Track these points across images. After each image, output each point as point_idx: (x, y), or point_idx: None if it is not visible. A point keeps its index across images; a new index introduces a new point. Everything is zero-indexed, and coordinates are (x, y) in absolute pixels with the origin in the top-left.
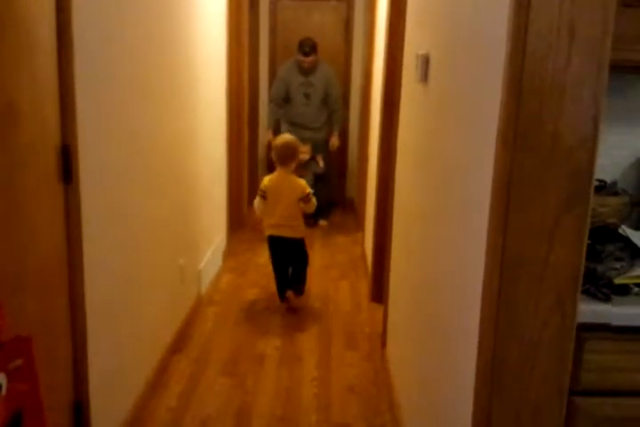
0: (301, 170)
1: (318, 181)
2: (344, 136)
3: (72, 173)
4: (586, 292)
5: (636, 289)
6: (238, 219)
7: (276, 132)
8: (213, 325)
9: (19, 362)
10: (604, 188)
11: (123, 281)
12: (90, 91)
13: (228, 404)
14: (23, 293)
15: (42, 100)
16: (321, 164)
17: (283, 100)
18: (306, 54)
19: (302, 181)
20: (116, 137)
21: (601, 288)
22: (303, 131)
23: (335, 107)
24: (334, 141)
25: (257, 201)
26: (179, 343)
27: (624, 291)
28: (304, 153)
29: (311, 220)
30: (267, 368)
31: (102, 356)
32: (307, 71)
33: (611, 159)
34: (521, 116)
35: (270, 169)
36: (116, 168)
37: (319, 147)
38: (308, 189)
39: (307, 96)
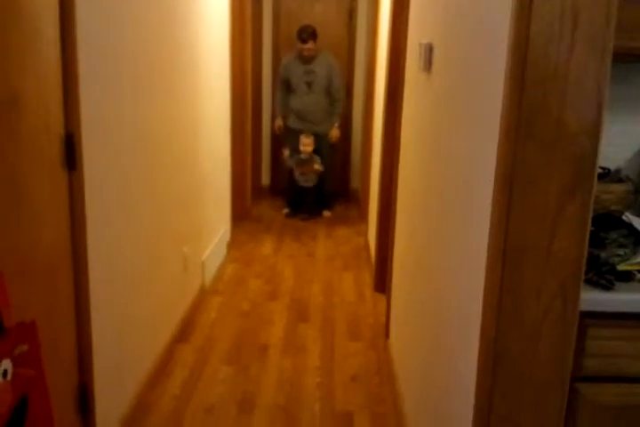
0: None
1: (322, 172)
2: (347, 127)
3: (76, 161)
4: (589, 281)
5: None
6: (242, 210)
7: (286, 118)
8: (217, 314)
9: (24, 348)
10: (607, 175)
11: (126, 267)
12: (93, 79)
13: (232, 393)
14: (28, 279)
15: (46, 89)
16: (319, 168)
17: (286, 89)
18: (304, 41)
19: None
20: (120, 126)
21: (604, 275)
22: (305, 122)
23: (337, 96)
24: (334, 133)
25: None
26: (183, 332)
27: (627, 277)
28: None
29: (315, 211)
30: (270, 358)
31: (106, 342)
32: (307, 59)
33: (614, 147)
34: (524, 103)
35: (275, 162)
36: (120, 156)
37: (321, 139)
38: None
39: (308, 85)
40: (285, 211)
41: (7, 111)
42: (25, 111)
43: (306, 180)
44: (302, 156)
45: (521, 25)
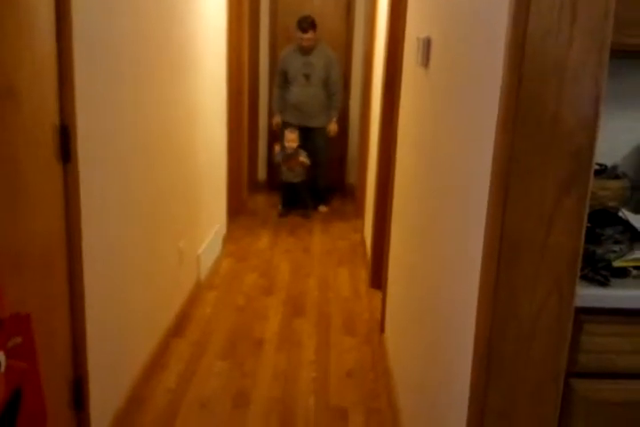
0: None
1: (318, 167)
2: (345, 121)
3: (70, 153)
4: (584, 277)
5: (635, 272)
6: (238, 205)
7: (283, 113)
8: (213, 309)
9: (18, 340)
10: (604, 171)
11: (121, 261)
12: (89, 71)
13: (227, 387)
14: (22, 271)
15: (41, 81)
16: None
17: (284, 83)
18: (304, 30)
19: None
20: (116, 118)
21: (600, 271)
22: (301, 115)
23: (334, 89)
24: (332, 127)
25: None
26: (178, 326)
27: (623, 274)
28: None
29: (311, 206)
30: (265, 352)
31: (101, 336)
32: (306, 50)
33: (611, 144)
34: (521, 97)
35: (271, 157)
36: (116, 149)
37: (317, 133)
38: None
39: (306, 77)
40: (279, 209)
41: (2, 102)
42: (20, 103)
43: (294, 175)
44: (287, 150)
45: (519, 19)
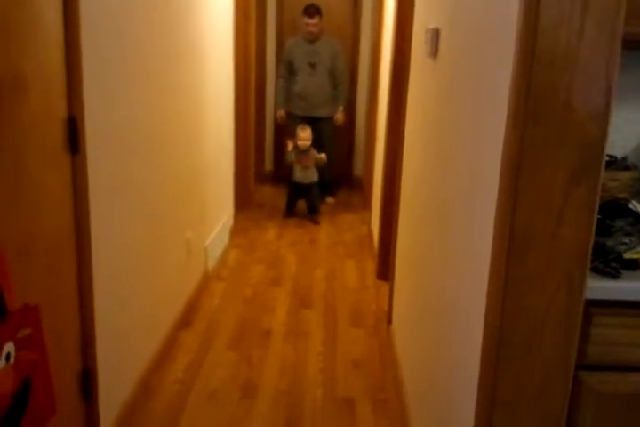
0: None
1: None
2: (351, 113)
3: (78, 144)
4: (594, 269)
5: None
6: (245, 197)
7: (289, 104)
8: (220, 300)
9: (27, 331)
10: (614, 163)
11: (129, 252)
12: (97, 62)
13: (235, 377)
14: (31, 262)
15: (48, 73)
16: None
17: (290, 74)
18: (310, 15)
19: None
20: (123, 110)
21: (610, 263)
22: (307, 104)
23: (340, 79)
24: (339, 116)
25: None
26: (186, 317)
27: (633, 266)
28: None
29: (320, 207)
30: (273, 344)
31: (109, 327)
32: (312, 39)
33: (621, 135)
34: (532, 88)
35: (278, 147)
36: (123, 140)
37: (323, 123)
38: None
39: (312, 66)
40: (283, 214)
41: (10, 95)
42: (28, 95)
43: (307, 176)
44: (301, 148)
45: (530, 9)
